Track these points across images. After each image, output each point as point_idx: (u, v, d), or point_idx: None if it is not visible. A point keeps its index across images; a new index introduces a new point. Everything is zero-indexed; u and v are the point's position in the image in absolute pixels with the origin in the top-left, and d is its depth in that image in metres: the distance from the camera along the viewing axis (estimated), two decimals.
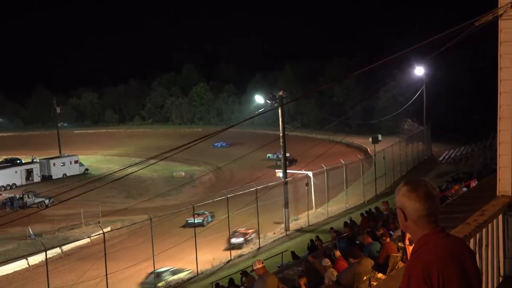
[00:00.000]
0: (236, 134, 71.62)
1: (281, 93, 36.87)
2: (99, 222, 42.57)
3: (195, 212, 35.39)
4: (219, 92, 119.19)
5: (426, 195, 3.32)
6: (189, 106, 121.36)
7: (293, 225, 36.10)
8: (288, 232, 34.79)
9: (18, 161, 75.22)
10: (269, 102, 37.91)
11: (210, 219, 40.57)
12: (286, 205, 35.08)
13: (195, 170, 70.69)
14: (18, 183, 63.71)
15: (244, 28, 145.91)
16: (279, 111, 35.56)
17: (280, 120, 35.35)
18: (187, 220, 38.54)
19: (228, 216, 32.48)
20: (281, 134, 35.54)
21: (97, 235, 36.24)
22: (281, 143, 35.83)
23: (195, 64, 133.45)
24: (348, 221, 25.24)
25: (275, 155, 66.40)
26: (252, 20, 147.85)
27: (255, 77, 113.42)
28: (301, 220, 37.58)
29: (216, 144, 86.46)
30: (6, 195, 56.90)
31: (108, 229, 38.32)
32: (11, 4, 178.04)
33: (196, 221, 35.80)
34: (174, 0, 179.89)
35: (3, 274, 31.80)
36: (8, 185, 62.58)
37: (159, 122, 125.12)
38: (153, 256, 28.49)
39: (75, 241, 37.38)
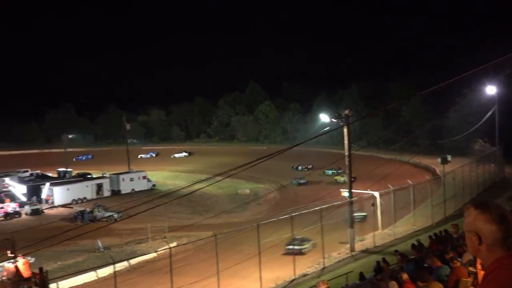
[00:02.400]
0: (301, 153, 71.46)
1: (347, 111, 36.54)
2: (165, 237, 43.39)
3: (295, 238, 35.66)
4: (284, 111, 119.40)
5: (500, 217, 3.20)
6: (255, 124, 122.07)
7: (358, 246, 35.48)
8: (353, 253, 34.22)
9: (89, 176, 77.90)
10: (334, 121, 37.60)
11: (308, 245, 38.61)
12: (351, 225, 34.57)
13: (259, 187, 70.93)
14: (88, 197, 65.88)
15: (308, 48, 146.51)
16: (345, 130, 35.24)
17: (346, 139, 35.01)
18: (287, 246, 37.37)
19: (293, 235, 32.33)
20: (346, 153, 35.18)
21: (163, 250, 36.84)
22: (346, 162, 35.47)
23: (260, 83, 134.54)
24: (416, 243, 24.55)
25: (330, 171, 71.70)
26: (315, 40, 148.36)
27: (319, 96, 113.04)
28: (367, 240, 36.89)
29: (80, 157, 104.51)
30: (77, 208, 58.95)
31: (174, 244, 38.98)
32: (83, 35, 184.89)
33: (296, 248, 35.86)
34: (243, 19, 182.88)
35: (74, 285, 32.82)
36: (80, 198, 64.82)
37: (225, 140, 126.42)
38: (218, 273, 28.69)
39: (142, 255, 38.16)
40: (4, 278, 20.87)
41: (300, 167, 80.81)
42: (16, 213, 57.63)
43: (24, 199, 63.88)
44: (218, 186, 59.43)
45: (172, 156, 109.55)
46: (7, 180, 72.79)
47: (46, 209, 60.94)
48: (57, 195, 64.09)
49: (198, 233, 43.24)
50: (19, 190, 66.77)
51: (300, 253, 36.17)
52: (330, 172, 72.09)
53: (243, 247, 36.91)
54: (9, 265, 20.35)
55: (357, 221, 38.09)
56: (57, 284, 30.91)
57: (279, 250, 34.82)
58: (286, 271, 32.30)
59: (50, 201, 63.59)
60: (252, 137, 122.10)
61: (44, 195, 64.55)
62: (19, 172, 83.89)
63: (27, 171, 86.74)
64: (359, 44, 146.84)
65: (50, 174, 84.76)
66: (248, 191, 68.72)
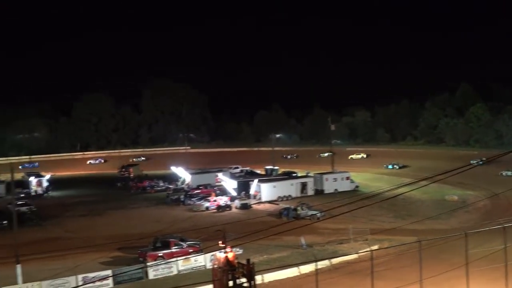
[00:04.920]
0: None
1: None
2: (367, 240, 43.00)
3: None
4: (498, 114, 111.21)
5: None
6: (465, 127, 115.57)
7: None
8: None
9: (294, 174, 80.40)
10: None
11: None
12: None
13: (468, 194, 66.86)
14: (293, 195, 67.92)
15: None
16: None
17: None
18: None
19: (505, 247, 29.85)
20: None
21: (364, 252, 36.58)
22: None
23: (472, 84, 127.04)
24: None
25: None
26: None
27: None
28: None
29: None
30: (282, 205, 61.18)
31: (376, 247, 38.44)
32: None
33: None
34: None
35: (277, 278, 34.05)
36: (285, 196, 67.13)
37: (431, 143, 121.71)
38: (421, 280, 27.64)
39: (343, 256, 38.26)
40: (215, 266, 22.35)
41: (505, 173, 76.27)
42: (227, 206, 61.61)
43: (234, 193, 68.04)
44: (423, 190, 57.27)
45: (350, 157, 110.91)
46: (220, 175, 78.20)
47: (253, 204, 64.12)
48: (264, 192, 67.04)
49: (400, 237, 42.15)
50: (230, 185, 71.27)
51: None
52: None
53: (448, 255, 35.05)
54: (220, 255, 21.75)
55: None
56: (262, 276, 32.38)
57: (488, 263, 32.37)
58: (496, 287, 29.96)
59: (257, 197, 66.77)
60: (461, 141, 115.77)
61: (252, 191, 68.00)
62: (230, 168, 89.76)
63: (238, 167, 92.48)
64: None
65: (258, 171, 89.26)
66: (456, 197, 65.08)
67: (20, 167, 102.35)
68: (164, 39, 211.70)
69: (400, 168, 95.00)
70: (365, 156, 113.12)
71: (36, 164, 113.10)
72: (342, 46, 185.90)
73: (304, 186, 70.61)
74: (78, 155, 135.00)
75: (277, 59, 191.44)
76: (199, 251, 39.18)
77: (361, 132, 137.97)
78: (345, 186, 72.61)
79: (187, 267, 36.88)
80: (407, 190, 42.89)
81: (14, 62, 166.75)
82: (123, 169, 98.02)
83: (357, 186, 74.27)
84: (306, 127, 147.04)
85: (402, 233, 44.17)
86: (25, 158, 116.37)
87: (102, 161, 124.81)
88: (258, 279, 27.75)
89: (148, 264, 36.54)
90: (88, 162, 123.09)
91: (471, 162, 73.22)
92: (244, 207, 62.00)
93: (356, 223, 47.07)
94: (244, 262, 22.17)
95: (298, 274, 34.74)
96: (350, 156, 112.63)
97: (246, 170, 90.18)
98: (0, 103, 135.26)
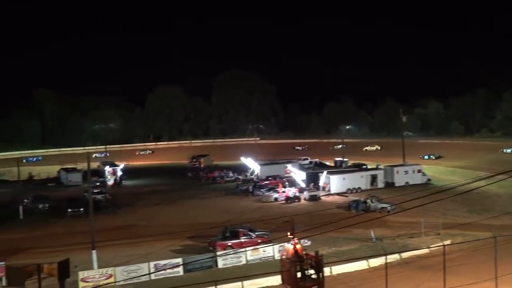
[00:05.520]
0: None
1: None
2: (439, 234, 41.94)
3: None
4: None
5: None
6: None
7: None
8: None
9: (364, 167, 79.40)
10: None
11: None
12: None
13: None
14: (363, 187, 67.10)
15: None
16: None
17: None
18: None
19: None
20: None
21: (437, 246, 35.72)
22: None
23: None
24: None
25: None
26: None
27: None
28: None
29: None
30: (351, 197, 60.58)
31: (448, 242, 37.43)
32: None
33: None
34: None
35: (346, 271, 33.76)
36: (354, 188, 66.41)
37: (509, 135, 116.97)
38: (496, 277, 26.72)
39: (414, 250, 37.46)
40: (283, 257, 22.42)
41: None
42: (296, 198, 61.56)
43: (303, 185, 67.95)
44: (499, 184, 55.13)
45: (364, 149, 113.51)
46: (289, 166, 78.34)
47: (322, 196, 63.81)
48: (333, 184, 66.58)
49: (474, 233, 40.78)
50: (299, 176, 71.25)
51: None
52: None
53: None
54: (289, 246, 21.79)
55: None
56: (331, 268, 32.20)
57: None
58: None
59: (326, 189, 66.41)
60: None
61: (321, 183, 67.69)
62: (300, 159, 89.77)
63: (307, 159, 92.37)
64: None
65: (327, 163, 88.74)
66: None
67: (94, 155, 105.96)
68: (235, 30, 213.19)
69: (436, 158, 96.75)
70: (379, 148, 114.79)
71: (106, 153, 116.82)
72: (414, 37, 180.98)
73: (374, 178, 69.61)
74: (151, 145, 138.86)
75: (347, 51, 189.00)
76: (267, 241, 39.39)
77: (433, 123, 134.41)
78: (416, 179, 70.99)
79: (255, 257, 37.17)
80: (483, 184, 41.29)
81: (90, 53, 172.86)
82: (194, 160, 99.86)
83: (429, 179, 72.46)
84: (376, 118, 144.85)
85: (477, 228, 42.76)
86: (101, 147, 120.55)
87: (150, 152, 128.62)
88: (326, 271, 27.58)
89: (218, 253, 37.08)
90: (137, 153, 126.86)
91: None
92: (313, 198, 61.81)
93: (428, 217, 45.90)
94: (312, 253, 22.14)
95: (367, 267, 34.30)
96: (365, 148, 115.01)
97: (315, 162, 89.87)
98: (79, 94, 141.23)
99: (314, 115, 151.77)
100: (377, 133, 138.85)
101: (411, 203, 29.42)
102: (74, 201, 58.25)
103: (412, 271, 32.62)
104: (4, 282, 33.04)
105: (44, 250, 39.91)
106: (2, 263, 33.51)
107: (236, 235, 40.17)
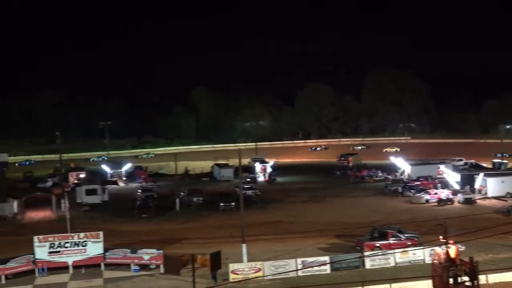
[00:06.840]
0: None
1: None
2: None
3: None
4: None
5: None
6: None
7: None
8: None
9: None
10: None
11: None
12: None
13: None
14: None
15: None
16: None
17: None
18: None
19: None
20: None
21: None
22: None
23: None
24: None
25: None
26: None
27: None
28: None
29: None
30: (510, 201, 56.60)
31: None
32: None
33: None
34: None
35: (504, 280, 31.50)
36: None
37: None
38: None
39: None
40: (435, 261, 21.57)
41: None
42: (449, 200, 58.84)
43: (457, 187, 64.75)
44: None
45: (384, 150, 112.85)
46: (442, 167, 75.04)
47: (478, 199, 60.38)
48: (491, 186, 62.62)
49: None
50: (453, 178, 67.95)
51: None
52: None
53: None
54: (440, 250, 20.90)
55: None
56: (487, 276, 30.34)
57: None
58: None
59: (483, 192, 62.74)
60: None
61: (477, 185, 64.07)
62: (453, 160, 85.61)
63: (462, 159, 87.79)
64: None
65: (484, 165, 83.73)
66: None
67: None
68: (387, 22, 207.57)
69: (510, 156, 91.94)
70: (398, 149, 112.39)
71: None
72: None
73: None
74: (300, 143, 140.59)
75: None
76: (417, 244, 38.10)
77: None
78: None
79: (404, 260, 36.13)
80: None
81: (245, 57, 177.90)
82: (342, 158, 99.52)
83: None
84: None
85: None
86: (251, 144, 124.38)
87: (323, 148, 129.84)
88: (482, 279, 26.03)
89: (365, 253, 36.57)
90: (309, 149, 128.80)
91: None
92: (468, 201, 58.64)
93: None
94: (466, 259, 21.04)
95: None
96: (385, 150, 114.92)
97: (471, 163, 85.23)
98: (231, 93, 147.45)
99: (470, 114, 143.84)
100: None
101: None
102: (226, 196, 60.88)
103: None
104: (161, 270, 35.41)
105: (197, 241, 42.08)
106: (161, 251, 35.94)
107: (384, 236, 39.31)
